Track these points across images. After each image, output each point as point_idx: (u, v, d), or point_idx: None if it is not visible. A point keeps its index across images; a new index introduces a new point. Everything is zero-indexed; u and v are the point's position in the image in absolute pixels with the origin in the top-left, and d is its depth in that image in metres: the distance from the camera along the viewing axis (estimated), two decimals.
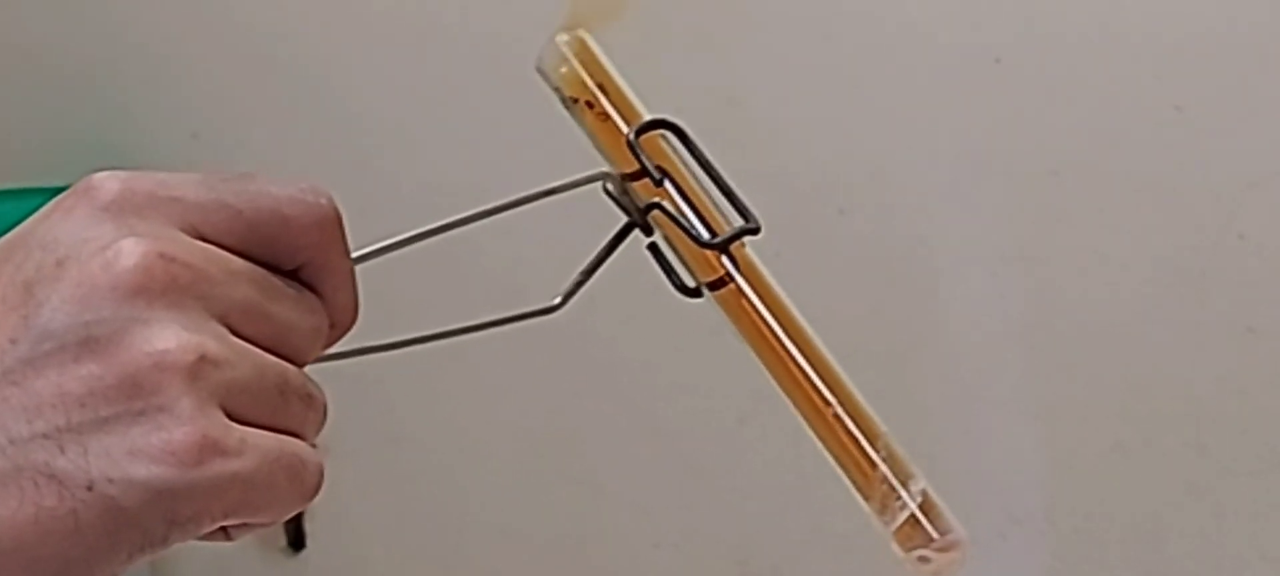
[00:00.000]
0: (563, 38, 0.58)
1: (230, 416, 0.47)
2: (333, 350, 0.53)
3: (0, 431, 0.46)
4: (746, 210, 0.56)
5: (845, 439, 0.53)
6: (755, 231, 0.56)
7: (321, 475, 0.49)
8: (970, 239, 1.55)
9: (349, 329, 0.53)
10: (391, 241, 0.56)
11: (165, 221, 0.48)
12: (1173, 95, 1.47)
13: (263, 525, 0.49)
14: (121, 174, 0.49)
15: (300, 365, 0.50)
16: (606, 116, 0.58)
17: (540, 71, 0.58)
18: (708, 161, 0.57)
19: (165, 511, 0.46)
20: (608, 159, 0.58)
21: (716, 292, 0.56)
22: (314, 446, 0.50)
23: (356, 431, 1.83)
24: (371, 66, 1.81)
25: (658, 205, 0.57)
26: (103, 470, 0.46)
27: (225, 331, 0.48)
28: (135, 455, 0.46)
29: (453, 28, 1.74)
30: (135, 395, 0.46)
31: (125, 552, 0.46)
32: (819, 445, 0.53)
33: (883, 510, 0.52)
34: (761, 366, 0.55)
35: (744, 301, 0.56)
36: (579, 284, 0.58)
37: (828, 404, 0.53)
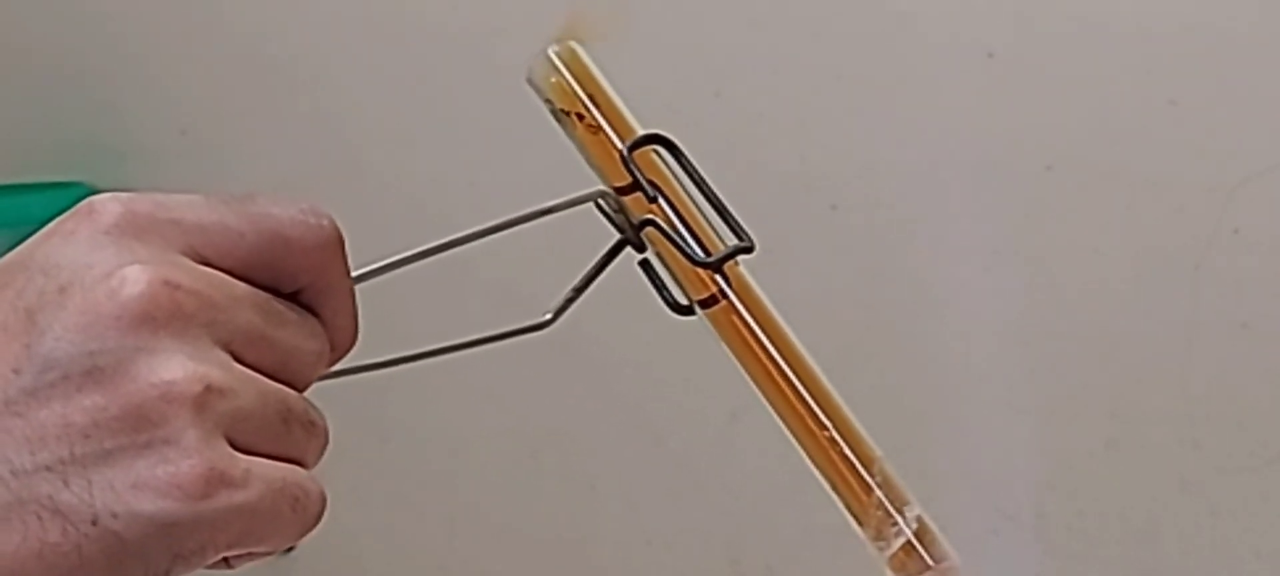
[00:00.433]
0: (554, 48, 0.58)
1: (234, 446, 0.47)
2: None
3: (3, 462, 0.45)
4: (740, 228, 0.55)
5: (840, 463, 0.53)
6: (749, 250, 0.55)
7: (324, 503, 0.49)
8: (962, 234, 1.55)
9: (349, 351, 0.53)
10: (390, 261, 0.56)
11: (167, 245, 0.48)
12: (1166, 90, 1.46)
13: (264, 554, 0.49)
14: (123, 196, 0.48)
15: (301, 389, 0.50)
16: (597, 129, 0.57)
17: (531, 83, 0.58)
18: (701, 178, 0.56)
19: (170, 545, 0.46)
20: (598, 172, 0.57)
21: (709, 311, 0.56)
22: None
23: (346, 431, 1.82)
24: (360, 64, 1.80)
25: (651, 222, 0.56)
26: (107, 504, 0.45)
27: (229, 359, 0.47)
28: (140, 488, 0.45)
29: (441, 25, 1.74)
30: (141, 427, 0.45)
31: None
32: (812, 467, 0.52)
33: (878, 536, 0.51)
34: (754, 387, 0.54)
35: (737, 319, 0.55)
36: (570, 300, 0.58)
37: (823, 427, 0.53)
